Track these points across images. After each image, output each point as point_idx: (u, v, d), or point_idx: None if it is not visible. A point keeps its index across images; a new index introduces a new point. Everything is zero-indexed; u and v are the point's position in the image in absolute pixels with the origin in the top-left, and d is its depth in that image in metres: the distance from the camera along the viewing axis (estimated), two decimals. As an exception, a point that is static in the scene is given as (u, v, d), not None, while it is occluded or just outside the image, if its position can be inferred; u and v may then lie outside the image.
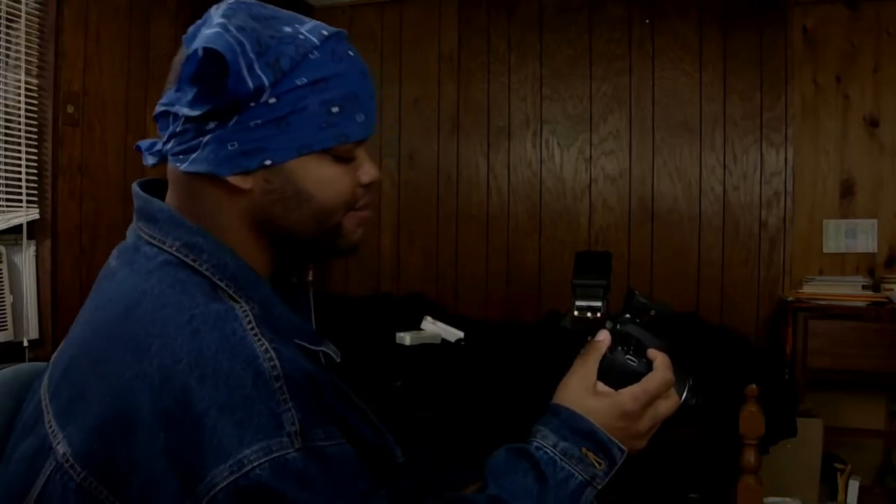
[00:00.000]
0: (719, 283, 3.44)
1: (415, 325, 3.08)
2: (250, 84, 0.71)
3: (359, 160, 0.80)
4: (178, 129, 0.75)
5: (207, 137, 0.74)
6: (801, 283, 3.25)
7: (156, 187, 0.84)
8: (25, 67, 2.57)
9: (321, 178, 0.77)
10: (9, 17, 2.50)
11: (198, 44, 0.72)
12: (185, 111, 0.73)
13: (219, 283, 0.74)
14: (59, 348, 0.79)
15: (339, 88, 0.75)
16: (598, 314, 0.86)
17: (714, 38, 3.43)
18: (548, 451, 0.78)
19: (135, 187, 0.81)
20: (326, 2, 3.97)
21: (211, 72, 0.70)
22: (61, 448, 0.68)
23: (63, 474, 0.68)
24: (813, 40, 3.34)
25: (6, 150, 2.52)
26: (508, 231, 3.76)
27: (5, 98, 2.52)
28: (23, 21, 2.54)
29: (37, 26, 2.61)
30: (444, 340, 2.99)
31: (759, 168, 3.40)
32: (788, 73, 3.35)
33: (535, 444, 0.79)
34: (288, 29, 0.75)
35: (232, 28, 0.71)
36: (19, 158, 2.55)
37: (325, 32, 0.76)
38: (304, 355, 0.74)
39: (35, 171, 2.61)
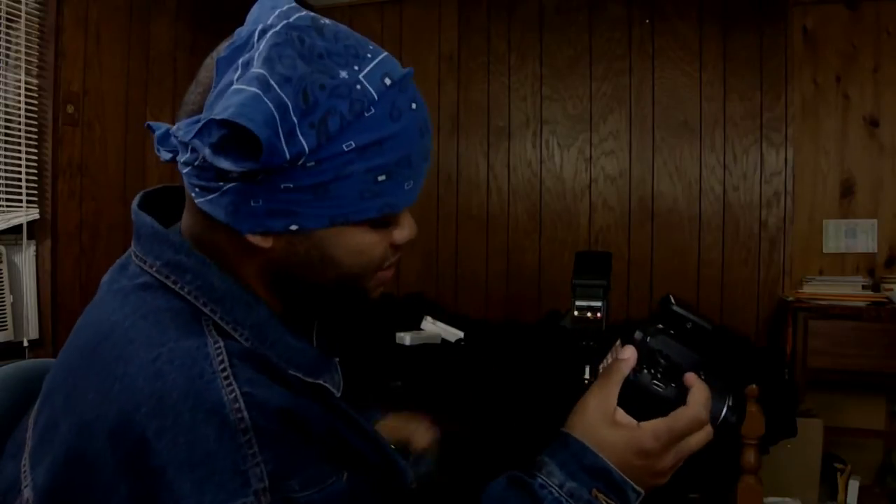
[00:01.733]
0: (719, 283, 3.44)
1: (415, 325, 3.08)
2: (287, 154, 0.61)
3: (397, 219, 0.72)
4: (196, 163, 0.64)
5: (229, 185, 0.63)
6: (801, 283, 3.25)
7: (166, 196, 0.77)
8: (25, 67, 2.57)
9: (354, 247, 0.68)
10: (9, 17, 2.50)
11: (230, 106, 0.59)
12: (207, 155, 0.61)
13: (202, 307, 0.67)
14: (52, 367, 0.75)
15: (391, 153, 0.65)
16: (598, 314, 0.85)
17: (714, 38, 3.43)
18: (553, 490, 0.70)
19: (134, 203, 0.74)
20: (326, 2, 3.97)
21: (240, 142, 0.60)
22: (27, 492, 0.64)
23: None
24: (813, 40, 3.34)
25: (6, 150, 2.52)
26: (508, 231, 3.76)
27: (5, 98, 2.52)
28: (23, 21, 2.54)
29: (37, 26, 2.61)
30: (444, 340, 2.99)
31: (759, 168, 3.40)
32: (788, 73, 3.35)
33: (540, 481, 0.71)
34: (344, 74, 0.63)
35: (274, 83, 0.60)
36: (19, 158, 2.55)
37: (388, 80, 0.64)
38: (298, 385, 0.68)
39: (35, 171, 2.61)
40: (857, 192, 3.29)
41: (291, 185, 0.63)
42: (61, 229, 2.67)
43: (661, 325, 0.76)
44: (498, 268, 3.77)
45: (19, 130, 2.56)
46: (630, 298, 3.44)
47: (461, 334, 3.02)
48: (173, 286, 0.67)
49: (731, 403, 0.76)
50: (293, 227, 0.65)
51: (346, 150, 0.63)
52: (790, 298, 3.14)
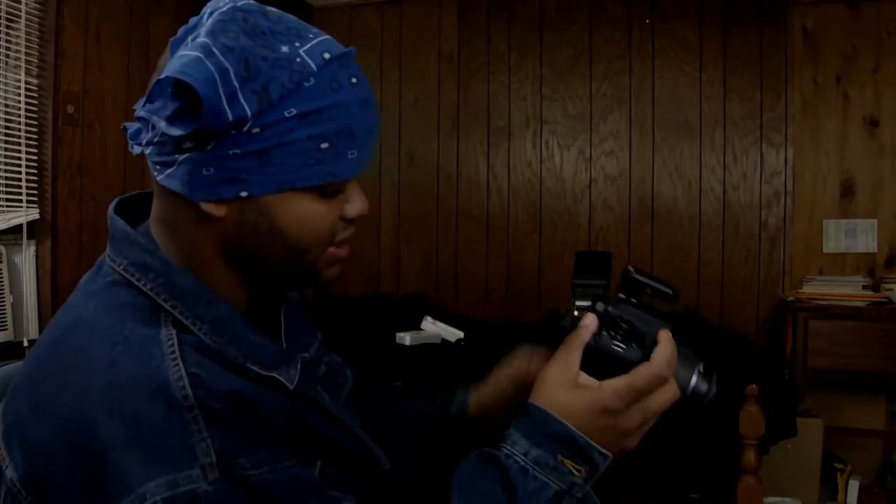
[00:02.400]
0: (719, 283, 3.44)
1: (415, 325, 3.08)
2: (229, 115, 0.64)
3: (347, 192, 0.74)
4: (155, 139, 0.69)
5: (183, 157, 0.68)
6: (801, 283, 3.25)
7: (141, 202, 0.81)
8: (25, 67, 2.57)
9: (301, 216, 0.71)
10: (9, 17, 2.50)
11: (173, 67, 0.65)
12: (163, 127, 0.66)
13: (163, 304, 0.70)
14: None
15: (332, 122, 0.68)
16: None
17: (714, 38, 3.43)
18: (518, 459, 0.70)
19: (109, 208, 0.78)
20: (326, 2, 3.97)
21: (183, 101, 0.65)
22: (9, 472, 0.67)
23: (13, 498, 0.67)
24: (813, 40, 3.34)
25: (6, 150, 2.52)
26: (508, 231, 3.76)
27: (5, 98, 2.52)
28: (23, 21, 2.54)
29: (37, 26, 2.61)
30: (444, 340, 2.99)
31: (759, 168, 3.40)
32: (788, 73, 3.35)
33: (505, 451, 0.71)
34: (285, 49, 0.67)
35: (216, 50, 0.64)
36: (19, 158, 2.55)
37: (327, 55, 0.69)
38: (254, 376, 0.70)
39: (35, 171, 2.61)
40: (857, 192, 3.29)
41: (239, 152, 0.67)
42: (61, 229, 2.67)
43: (622, 295, 0.75)
44: (498, 268, 3.77)
45: (19, 130, 2.56)
46: (630, 298, 3.44)
47: (461, 334, 3.02)
48: (137, 283, 0.71)
49: (701, 369, 0.74)
50: (243, 194, 0.68)
51: (287, 116, 0.66)
52: (790, 298, 3.14)
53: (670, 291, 0.75)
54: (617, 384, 0.71)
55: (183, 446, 0.61)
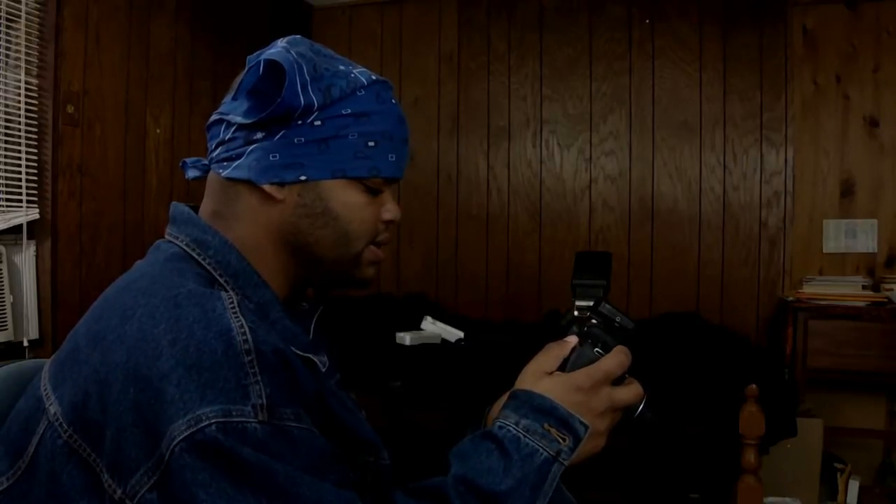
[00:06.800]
0: (719, 283, 3.44)
1: (415, 325, 3.08)
2: (302, 100, 0.78)
3: (384, 197, 0.86)
4: (227, 137, 0.82)
5: (253, 147, 0.80)
6: (801, 283, 3.25)
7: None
8: (25, 67, 2.57)
9: (349, 202, 0.82)
10: (9, 17, 2.50)
11: (261, 58, 0.79)
12: (239, 119, 0.80)
13: (218, 277, 0.79)
14: None
15: (378, 125, 0.82)
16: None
17: (714, 38, 3.43)
18: (511, 428, 0.77)
19: (171, 204, 0.88)
20: (326, 2, 3.97)
21: (269, 82, 0.78)
22: (52, 408, 0.72)
23: (53, 432, 0.71)
24: (813, 40, 3.34)
25: (6, 150, 2.52)
26: (508, 231, 3.76)
27: (5, 98, 2.52)
28: (23, 21, 2.54)
29: (37, 26, 2.61)
30: (444, 340, 2.99)
31: (759, 168, 3.40)
32: (788, 73, 3.35)
33: (498, 423, 0.78)
34: (342, 67, 0.83)
35: (293, 52, 0.79)
36: (19, 158, 2.55)
37: (374, 77, 0.84)
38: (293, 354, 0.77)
39: (35, 171, 2.62)
40: (857, 192, 3.29)
41: (303, 140, 0.80)
42: (61, 229, 2.67)
43: (595, 321, 0.86)
44: (498, 268, 3.77)
45: (19, 130, 2.56)
46: (630, 298, 3.44)
47: (461, 334, 3.02)
48: (197, 257, 0.80)
49: (647, 398, 0.85)
50: (302, 178, 0.80)
51: (344, 114, 0.80)
52: (790, 298, 3.14)
53: (633, 328, 0.86)
54: (588, 368, 0.81)
55: (238, 384, 0.66)
